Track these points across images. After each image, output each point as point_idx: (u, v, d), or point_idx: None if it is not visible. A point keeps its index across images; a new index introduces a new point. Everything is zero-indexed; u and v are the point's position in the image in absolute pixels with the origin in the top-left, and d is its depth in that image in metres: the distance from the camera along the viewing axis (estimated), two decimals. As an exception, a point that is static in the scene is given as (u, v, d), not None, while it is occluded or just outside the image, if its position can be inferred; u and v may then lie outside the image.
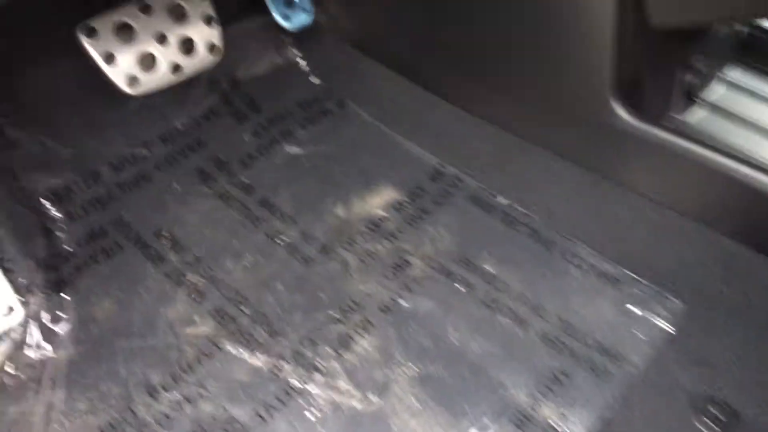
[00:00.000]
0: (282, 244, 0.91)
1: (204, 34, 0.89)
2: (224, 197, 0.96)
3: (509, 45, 0.88)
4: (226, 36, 0.94)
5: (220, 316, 0.82)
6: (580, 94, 0.78)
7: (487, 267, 0.88)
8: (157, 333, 0.80)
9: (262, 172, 1.00)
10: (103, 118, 0.96)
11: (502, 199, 0.96)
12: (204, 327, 0.81)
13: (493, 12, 0.85)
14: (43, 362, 0.76)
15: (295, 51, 1.15)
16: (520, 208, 0.94)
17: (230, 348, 0.79)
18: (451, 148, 1.02)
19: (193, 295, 0.84)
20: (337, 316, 0.83)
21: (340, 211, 0.95)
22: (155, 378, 0.76)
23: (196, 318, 0.82)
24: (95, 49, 0.79)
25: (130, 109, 0.97)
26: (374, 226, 0.94)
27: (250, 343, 0.80)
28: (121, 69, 0.81)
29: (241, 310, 0.83)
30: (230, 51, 1.03)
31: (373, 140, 1.06)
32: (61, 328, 0.79)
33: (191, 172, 0.99)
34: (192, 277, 0.86)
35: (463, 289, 0.85)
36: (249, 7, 1.05)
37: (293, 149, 1.04)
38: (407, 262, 0.89)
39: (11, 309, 0.76)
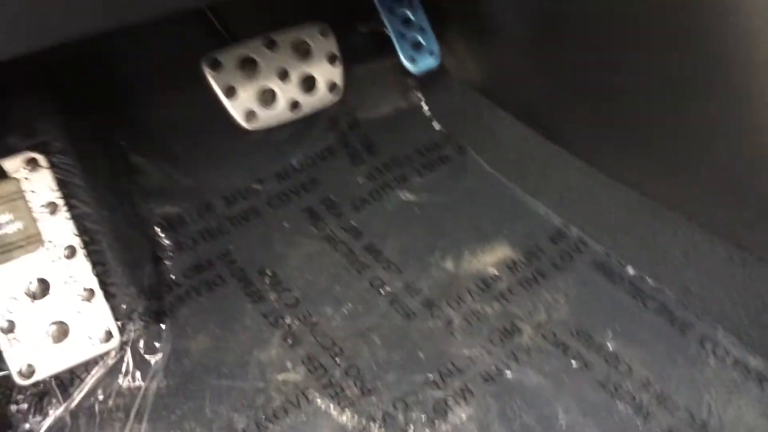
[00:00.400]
0: (384, 294, 0.86)
1: (326, 73, 0.87)
2: (331, 240, 0.93)
3: (662, 98, 0.79)
4: (349, 75, 0.93)
5: (312, 364, 0.78)
6: (743, 162, 0.67)
7: (609, 344, 0.78)
8: (248, 375, 0.78)
9: (372, 217, 0.97)
10: (222, 151, 0.97)
11: (631, 270, 0.86)
12: (295, 374, 0.78)
13: (644, 63, 0.77)
14: (132, 392, 0.75)
15: (418, 94, 1.12)
16: (651, 282, 0.84)
17: (319, 400, 0.75)
18: (577, 208, 0.94)
19: (288, 339, 0.81)
20: (435, 380, 0.76)
21: (449, 265, 0.89)
22: (240, 423, 0.73)
23: (288, 364, 0.79)
24: (217, 82, 0.80)
25: (248, 144, 0.97)
26: (484, 285, 0.87)
27: (339, 398, 0.75)
28: (241, 103, 0.81)
29: (335, 361, 0.79)
30: (352, 91, 1.01)
31: (492, 192, 1.00)
32: (154, 359, 0.78)
33: (301, 212, 0.97)
34: (289, 320, 0.83)
35: (578, 367, 0.77)
36: (375, 47, 1.04)
37: (407, 196, 1.00)
38: (517, 328, 0.81)
39: (109, 334, 0.75)
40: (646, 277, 0.85)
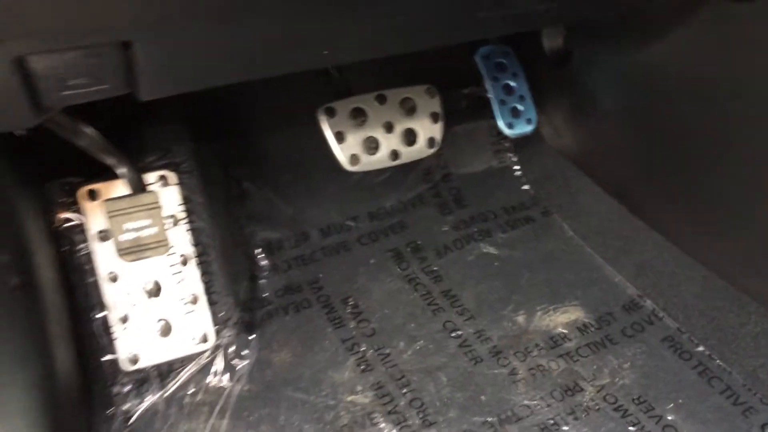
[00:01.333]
0: (455, 337, 0.92)
1: (427, 129, 0.96)
2: (412, 281, 1.00)
3: (746, 185, 0.83)
4: (448, 132, 1.01)
5: (380, 391, 0.85)
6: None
7: (669, 416, 0.81)
8: (321, 392, 0.85)
9: (453, 265, 1.03)
10: (323, 188, 1.07)
11: (701, 348, 0.88)
12: (363, 398, 0.84)
13: (732, 151, 0.81)
14: (218, 391, 0.84)
15: (511, 156, 1.18)
16: (720, 362, 0.86)
17: (382, 424, 0.81)
18: (654, 282, 0.97)
19: (361, 365, 0.88)
20: (493, 423, 0.81)
21: (520, 319, 0.94)
22: (308, 434, 0.80)
23: (359, 387, 0.85)
24: (330, 127, 0.90)
25: (348, 184, 1.07)
26: (553, 342, 0.91)
27: (402, 425, 0.81)
28: (347, 147, 0.91)
29: (402, 392, 0.85)
30: (449, 146, 1.09)
31: (571, 256, 1.05)
32: (240, 365, 0.87)
33: (388, 251, 1.05)
34: (364, 348, 0.90)
35: (635, 432, 0.79)
36: (476, 108, 1.12)
37: (488, 249, 1.06)
38: (580, 387, 0.85)
39: (206, 337, 0.85)
40: (715, 357, 0.86)
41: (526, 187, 1.16)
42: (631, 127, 1.02)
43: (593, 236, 1.06)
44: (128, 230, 0.78)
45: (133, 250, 0.79)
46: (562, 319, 0.94)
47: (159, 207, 0.81)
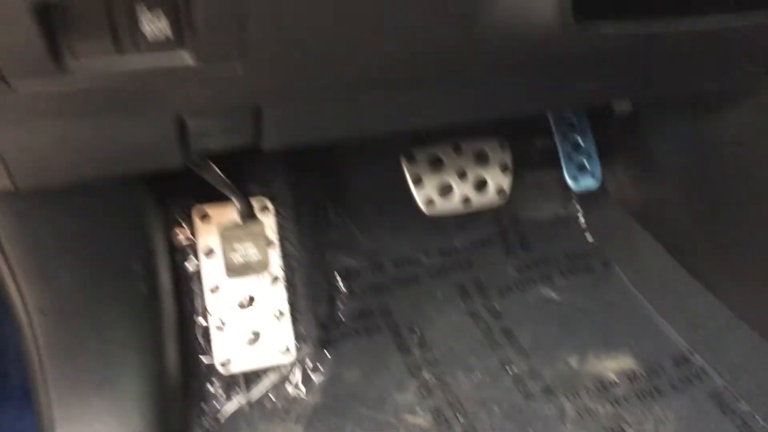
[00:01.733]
0: (510, 373, 1.01)
1: (497, 179, 1.06)
2: (474, 316, 1.10)
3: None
4: (517, 179, 1.11)
5: (438, 415, 0.94)
6: None
7: (707, 468, 0.87)
8: (384, 411, 0.95)
9: (513, 305, 1.12)
10: (400, 223, 1.18)
11: (744, 406, 0.94)
12: (422, 420, 0.94)
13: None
14: (296, 400, 0.95)
15: (577, 206, 1.26)
16: (761, 422, 0.91)
17: (436, 446, 0.90)
18: (705, 339, 1.03)
19: (422, 390, 0.98)
20: (540, 456, 0.89)
21: (573, 361, 1.02)
22: (371, 448, 0.91)
23: (419, 410, 0.95)
24: (409, 171, 1.01)
25: (422, 221, 1.17)
26: (602, 386, 0.98)
27: (455, 448, 0.90)
28: (424, 191, 1.02)
29: (457, 418, 0.94)
30: (519, 193, 1.19)
31: (627, 307, 1.12)
32: (316, 378, 0.98)
33: (454, 287, 1.15)
34: (426, 375, 1.00)
35: (672, 479, 0.86)
36: (545, 160, 1.21)
37: (548, 293, 1.15)
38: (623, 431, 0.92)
39: (288, 349, 0.97)
40: (758, 417, 0.92)
41: (588, 237, 1.24)
42: (692, 189, 1.09)
43: (650, 290, 1.12)
44: (237, 253, 0.91)
45: (239, 270, 0.92)
46: (613, 365, 1.02)
47: (264, 235, 0.94)
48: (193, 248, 0.96)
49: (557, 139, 1.16)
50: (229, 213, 0.96)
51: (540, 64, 0.63)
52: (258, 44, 0.51)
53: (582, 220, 1.25)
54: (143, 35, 0.49)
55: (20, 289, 0.75)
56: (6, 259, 0.74)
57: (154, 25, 0.48)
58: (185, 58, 0.51)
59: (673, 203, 1.13)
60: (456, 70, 0.61)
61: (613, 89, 0.76)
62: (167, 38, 0.49)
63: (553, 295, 1.14)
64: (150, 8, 0.47)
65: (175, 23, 0.49)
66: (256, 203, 0.98)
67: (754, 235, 0.96)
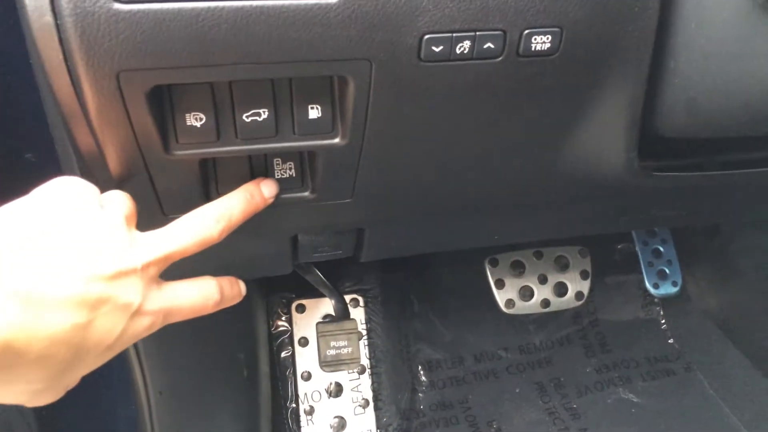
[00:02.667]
0: (586, 475, 1.04)
1: (577, 284, 1.12)
2: (552, 414, 1.14)
3: None
4: (599, 280, 1.16)
5: None
6: None
7: None
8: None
9: (591, 405, 1.16)
10: (482, 319, 1.25)
11: None
12: None
13: None
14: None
15: (658, 310, 1.30)
16: None
17: None
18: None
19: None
20: None
21: (650, 467, 1.04)
22: None
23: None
24: (492, 274, 1.09)
25: (503, 318, 1.24)
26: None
27: None
28: (505, 293, 1.09)
29: None
30: (599, 294, 1.24)
31: (708, 413, 1.13)
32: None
33: (532, 383, 1.20)
34: (502, 469, 1.05)
35: None
36: (626, 263, 1.26)
37: (628, 395, 1.18)
38: None
39: (370, 435, 1.05)
40: None
41: (670, 341, 1.26)
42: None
43: (731, 398, 1.13)
44: (331, 348, 1.01)
45: (332, 364, 1.02)
46: (691, 474, 1.03)
47: (357, 331, 1.05)
48: (290, 337, 1.06)
49: (638, 247, 1.22)
50: (324, 306, 1.07)
51: (613, 196, 0.71)
52: (365, 187, 0.61)
53: (663, 323, 1.28)
54: (274, 177, 0.61)
55: (144, 373, 0.87)
56: (135, 345, 0.87)
57: (283, 172, 0.60)
58: (305, 194, 0.62)
59: (755, 312, 1.15)
60: (534, 202, 0.70)
61: (686, 217, 0.82)
62: (292, 179, 0.61)
63: (632, 397, 1.17)
64: (283, 161, 0.59)
65: (300, 170, 0.60)
66: (348, 298, 1.09)
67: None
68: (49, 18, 0.45)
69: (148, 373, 0.87)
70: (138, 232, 0.49)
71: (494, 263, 1.10)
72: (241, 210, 0.55)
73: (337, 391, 1.07)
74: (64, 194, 0.46)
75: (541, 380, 1.21)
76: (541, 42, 0.50)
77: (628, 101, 0.55)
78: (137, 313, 0.46)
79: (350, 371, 1.06)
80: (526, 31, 0.49)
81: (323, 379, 1.06)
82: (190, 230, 0.51)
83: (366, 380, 1.08)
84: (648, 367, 1.22)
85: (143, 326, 0.47)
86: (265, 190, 0.58)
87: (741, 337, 1.17)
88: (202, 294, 0.52)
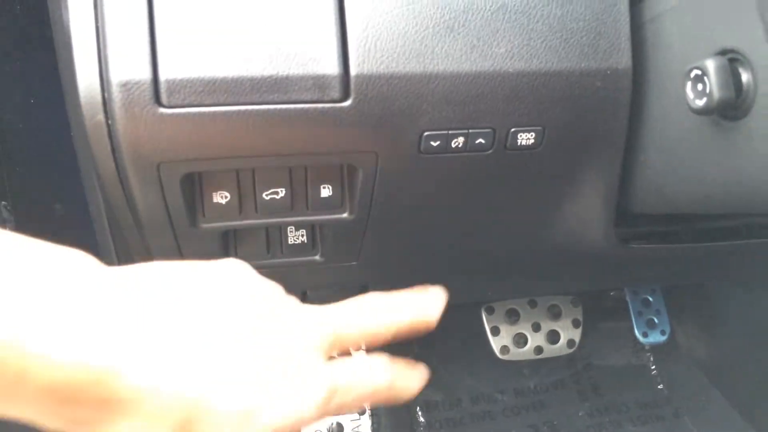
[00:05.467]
0: None
1: (569, 333, 1.20)
2: (545, 457, 1.21)
3: None
4: (591, 326, 1.23)
5: None
6: None
7: None
8: None
9: (583, 449, 1.22)
10: (479, 363, 1.32)
11: None
12: None
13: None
14: None
15: (649, 356, 1.36)
16: None
17: None
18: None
19: None
20: None
21: None
22: None
23: None
24: (488, 322, 1.17)
25: (500, 362, 1.31)
26: None
27: None
28: (500, 340, 1.17)
29: None
30: (592, 340, 1.31)
31: (696, 461, 1.20)
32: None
33: (527, 426, 1.26)
34: None
35: None
36: (618, 310, 1.33)
37: (619, 439, 1.24)
38: None
39: (371, 476, 1.11)
40: None
41: (660, 386, 1.33)
42: (759, 349, 1.18)
43: (719, 445, 1.20)
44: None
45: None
46: None
47: None
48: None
49: (628, 297, 1.29)
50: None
51: (596, 263, 0.79)
52: (369, 252, 0.70)
53: (653, 369, 1.35)
54: (287, 243, 0.69)
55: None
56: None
57: (296, 238, 0.68)
58: (315, 257, 0.70)
59: (739, 361, 1.22)
60: (521, 267, 0.78)
61: (668, 278, 0.90)
62: (304, 245, 0.69)
63: (623, 441, 1.24)
64: (296, 229, 0.67)
65: (311, 237, 0.68)
66: (351, 341, 1.16)
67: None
68: (101, 117, 0.53)
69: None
70: (298, 308, 0.44)
71: (490, 311, 1.18)
72: (407, 315, 0.50)
73: (338, 430, 1.13)
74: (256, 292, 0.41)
75: (535, 423, 1.27)
76: (525, 138, 0.58)
77: (605, 187, 0.63)
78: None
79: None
80: (513, 129, 0.58)
81: (324, 419, 1.13)
82: (355, 314, 0.47)
83: (366, 421, 1.15)
84: (639, 411, 1.29)
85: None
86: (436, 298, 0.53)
87: (726, 385, 1.24)
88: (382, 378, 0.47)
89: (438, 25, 0.55)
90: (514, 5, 0.55)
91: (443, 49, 0.55)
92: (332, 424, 1.13)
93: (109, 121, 0.53)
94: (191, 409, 0.35)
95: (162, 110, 0.52)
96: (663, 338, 1.28)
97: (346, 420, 1.13)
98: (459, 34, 0.55)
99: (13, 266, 0.33)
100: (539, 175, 0.62)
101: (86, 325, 0.33)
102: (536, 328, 1.19)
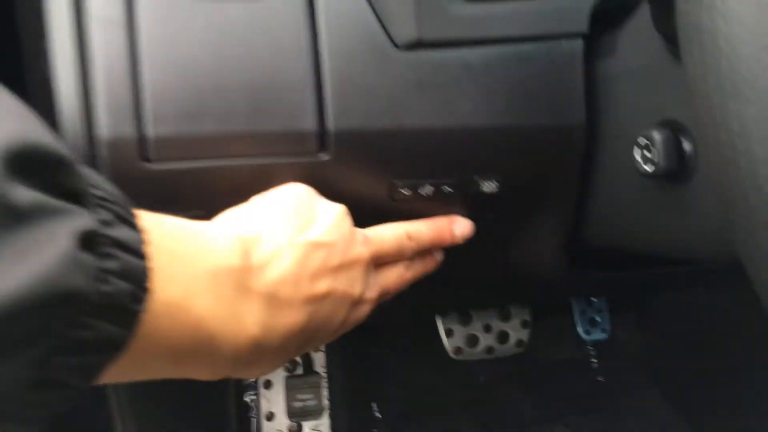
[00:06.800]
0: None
1: (518, 333, 1.27)
2: (493, 450, 1.29)
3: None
4: (538, 327, 1.31)
5: None
6: None
7: None
8: None
9: (530, 440, 1.31)
10: (433, 362, 1.39)
11: None
12: None
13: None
14: None
15: (591, 351, 1.46)
16: None
17: None
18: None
19: None
20: None
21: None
22: None
23: None
24: (443, 324, 1.23)
25: (453, 361, 1.38)
26: None
27: None
28: (455, 341, 1.23)
29: None
30: (539, 337, 1.39)
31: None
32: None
33: (476, 420, 1.34)
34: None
35: None
36: (561, 314, 1.42)
37: (563, 430, 1.33)
38: None
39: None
40: None
41: (600, 379, 1.43)
42: (692, 348, 1.28)
43: (652, 432, 1.31)
44: (298, 401, 1.13)
45: (298, 414, 1.14)
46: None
47: (321, 386, 1.17)
48: (257, 411, 1.18)
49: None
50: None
51: (548, 282, 0.85)
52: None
53: (595, 362, 1.45)
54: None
55: (122, 417, 0.97)
56: (116, 393, 0.97)
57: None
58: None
59: (675, 357, 1.33)
60: (479, 285, 0.84)
61: (612, 292, 0.97)
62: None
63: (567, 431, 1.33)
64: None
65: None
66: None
67: (742, 396, 1.15)
68: (87, 171, 0.56)
69: (123, 418, 0.98)
70: (355, 228, 0.57)
71: (445, 313, 1.24)
72: (429, 238, 0.64)
73: (298, 430, 1.19)
74: (300, 194, 0.56)
75: (484, 417, 1.35)
76: (488, 185, 0.64)
77: (559, 226, 0.70)
78: (359, 302, 0.55)
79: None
80: (475, 177, 0.63)
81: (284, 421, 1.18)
82: (392, 237, 0.61)
83: (325, 419, 1.20)
84: (580, 402, 1.39)
85: (363, 313, 0.56)
86: (456, 228, 0.67)
87: (662, 378, 1.34)
88: (413, 272, 0.64)
89: (409, 83, 0.59)
90: (479, 65, 0.60)
91: (414, 106, 0.59)
92: (294, 425, 1.18)
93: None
94: None
95: (148, 166, 0.55)
96: (604, 335, 1.37)
97: (305, 420, 1.19)
98: (428, 91, 0.59)
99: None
100: (500, 216, 0.67)
101: None
102: (487, 329, 1.25)
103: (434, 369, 1.39)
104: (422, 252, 0.65)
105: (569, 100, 0.62)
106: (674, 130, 0.54)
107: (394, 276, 0.61)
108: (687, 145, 0.54)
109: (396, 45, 0.59)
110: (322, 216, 0.54)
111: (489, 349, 1.27)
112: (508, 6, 0.61)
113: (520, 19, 0.61)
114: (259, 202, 0.55)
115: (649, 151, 0.54)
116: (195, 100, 0.55)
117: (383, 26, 0.58)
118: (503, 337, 1.28)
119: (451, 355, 1.23)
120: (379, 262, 0.59)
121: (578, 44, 0.62)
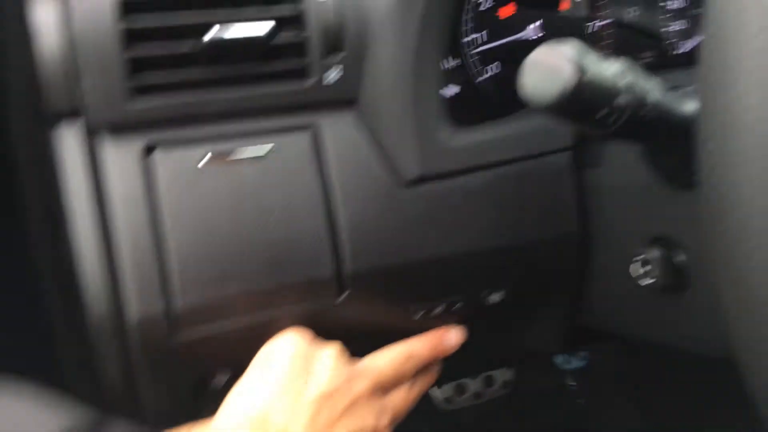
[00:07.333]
0: None
1: (503, 375, 1.32)
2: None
3: None
4: (520, 364, 1.36)
5: None
6: None
7: None
8: None
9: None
10: (423, 411, 1.42)
11: None
12: None
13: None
14: None
15: (569, 377, 1.52)
16: None
17: None
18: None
19: None
20: None
21: None
22: None
23: None
24: (433, 377, 1.27)
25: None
26: None
27: None
28: (443, 392, 1.27)
29: None
30: (522, 373, 1.44)
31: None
32: None
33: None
34: None
35: None
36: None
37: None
38: None
39: None
40: None
41: (581, 401, 1.50)
42: (666, 367, 1.37)
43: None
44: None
45: None
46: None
47: None
48: None
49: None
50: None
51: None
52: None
53: (574, 387, 1.51)
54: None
55: None
56: None
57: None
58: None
59: (651, 377, 1.41)
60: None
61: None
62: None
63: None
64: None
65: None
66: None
67: (719, 411, 1.24)
68: (116, 345, 0.56)
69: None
70: (352, 364, 0.60)
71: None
72: (427, 354, 0.68)
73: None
74: (293, 352, 0.57)
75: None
76: (494, 297, 0.67)
77: (558, 319, 0.74)
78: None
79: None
80: (484, 293, 0.67)
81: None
82: (390, 363, 0.63)
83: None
84: (565, 427, 1.45)
85: None
86: (451, 339, 0.70)
87: (640, 399, 1.42)
88: (417, 390, 0.68)
89: (416, 216, 0.62)
90: (477, 190, 0.63)
91: (422, 238, 0.62)
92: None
93: (124, 352, 0.56)
94: None
95: (178, 338, 0.56)
96: (582, 363, 1.44)
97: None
98: (434, 222, 0.62)
99: None
100: (504, 317, 0.72)
101: None
102: (474, 375, 1.30)
103: (425, 416, 1.42)
104: (423, 367, 0.69)
105: (562, 210, 0.66)
106: (668, 247, 0.58)
107: (400, 399, 0.66)
108: (682, 258, 0.58)
109: (401, 183, 0.61)
110: (319, 368, 0.57)
111: (477, 395, 1.31)
112: (498, 129, 0.64)
113: (510, 141, 0.64)
114: (258, 371, 0.57)
115: (646, 267, 0.59)
116: (218, 264, 0.56)
117: (388, 167, 0.61)
118: (489, 381, 1.33)
119: (442, 406, 1.27)
120: (382, 387, 0.63)
121: (566, 156, 0.66)
